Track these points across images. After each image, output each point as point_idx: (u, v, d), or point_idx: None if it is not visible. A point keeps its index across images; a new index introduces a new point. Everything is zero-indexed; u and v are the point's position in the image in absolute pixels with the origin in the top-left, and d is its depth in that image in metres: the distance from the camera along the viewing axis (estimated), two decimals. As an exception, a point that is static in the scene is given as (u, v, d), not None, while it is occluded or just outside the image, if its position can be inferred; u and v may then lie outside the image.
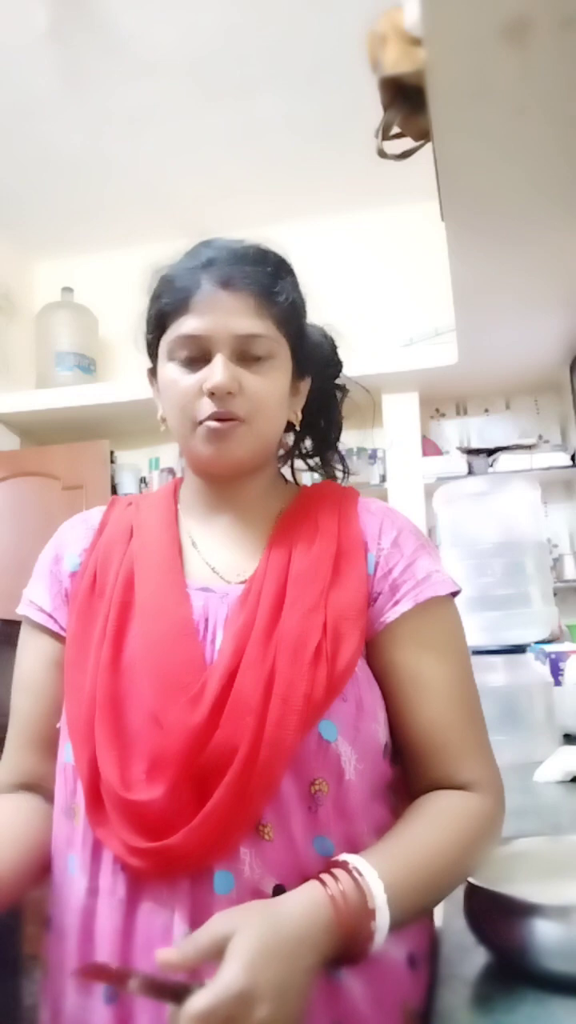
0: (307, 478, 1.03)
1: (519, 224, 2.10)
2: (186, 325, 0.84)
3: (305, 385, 0.94)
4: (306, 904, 0.67)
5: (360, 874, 0.69)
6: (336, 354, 1.01)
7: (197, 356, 0.84)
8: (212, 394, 0.83)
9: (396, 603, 0.84)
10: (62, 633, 0.90)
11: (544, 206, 1.99)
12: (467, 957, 0.74)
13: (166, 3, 2.56)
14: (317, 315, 0.98)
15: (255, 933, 0.62)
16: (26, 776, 0.90)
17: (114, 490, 3.76)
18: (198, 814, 0.73)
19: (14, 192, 3.51)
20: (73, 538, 0.95)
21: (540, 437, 3.73)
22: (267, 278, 0.85)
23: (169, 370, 0.86)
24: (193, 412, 0.84)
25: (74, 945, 0.78)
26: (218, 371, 0.82)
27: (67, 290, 3.88)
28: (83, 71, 2.83)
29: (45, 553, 0.96)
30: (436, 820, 0.79)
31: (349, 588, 0.84)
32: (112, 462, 3.78)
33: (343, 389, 1.03)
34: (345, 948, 0.67)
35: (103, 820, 0.77)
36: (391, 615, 0.84)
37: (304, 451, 1.03)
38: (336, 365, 1.01)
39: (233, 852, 0.74)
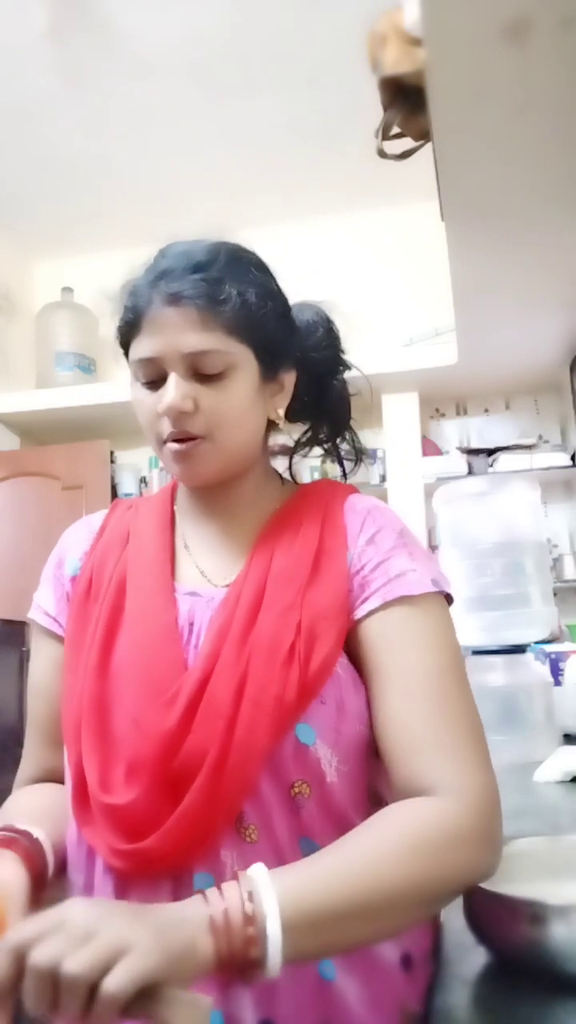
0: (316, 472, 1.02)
1: (519, 224, 2.10)
2: (140, 347, 0.83)
3: (288, 379, 0.91)
4: (180, 912, 0.61)
5: (251, 897, 0.61)
6: (332, 333, 0.97)
7: (155, 377, 0.83)
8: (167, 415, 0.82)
9: (365, 600, 0.82)
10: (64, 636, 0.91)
11: (544, 206, 1.99)
12: (467, 957, 0.74)
13: (166, 3, 2.56)
14: (337, 319, 0.97)
15: (102, 904, 0.63)
16: (47, 771, 0.91)
17: (114, 490, 3.76)
18: (171, 816, 0.73)
19: (14, 192, 3.51)
20: (75, 542, 0.96)
21: (540, 437, 3.73)
22: (211, 286, 0.81)
23: (135, 390, 0.86)
24: (157, 433, 0.84)
25: None
26: (169, 393, 0.80)
27: (67, 290, 3.88)
28: (83, 71, 2.83)
29: (51, 558, 0.97)
30: (376, 835, 0.71)
31: (328, 587, 0.82)
32: (112, 462, 3.79)
33: (346, 366, 0.99)
34: (227, 968, 0.60)
35: (89, 820, 0.78)
36: (359, 612, 0.82)
37: (321, 437, 1.00)
38: (332, 345, 0.97)
39: (213, 854, 0.74)
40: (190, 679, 0.77)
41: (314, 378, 0.95)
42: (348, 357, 1.00)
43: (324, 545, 0.85)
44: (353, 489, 0.95)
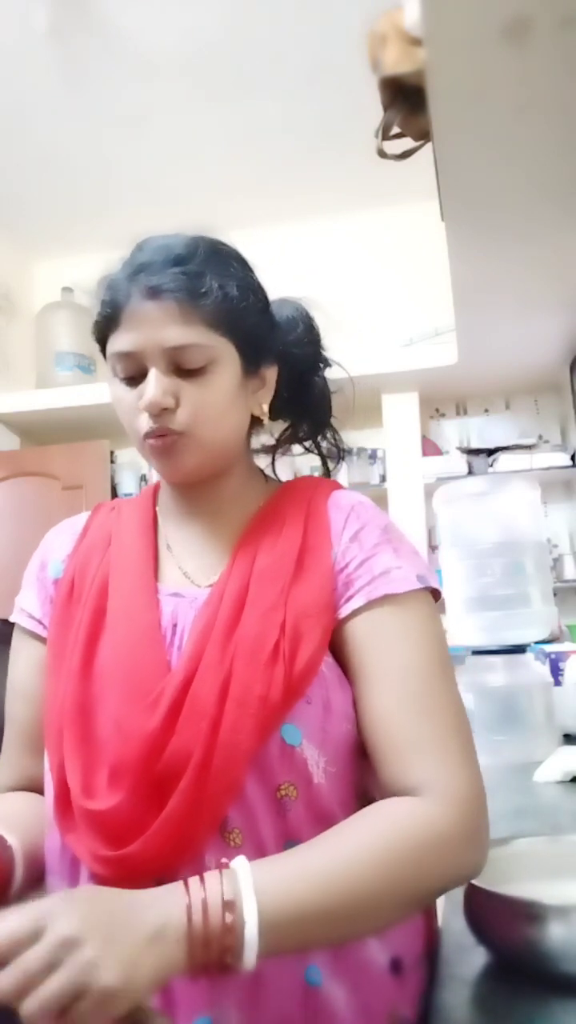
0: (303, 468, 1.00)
1: (519, 224, 2.10)
2: (119, 342, 0.81)
3: (270, 374, 0.90)
4: (159, 901, 0.61)
5: (232, 905, 0.60)
6: (312, 329, 0.96)
7: (135, 372, 0.81)
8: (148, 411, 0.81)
9: (349, 599, 0.81)
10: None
11: (544, 206, 1.99)
12: (467, 957, 0.74)
13: (166, 3, 2.56)
14: (316, 315, 0.96)
15: (81, 895, 0.62)
16: (25, 779, 0.90)
17: (114, 490, 3.76)
18: (154, 821, 0.72)
19: (14, 192, 3.51)
20: (58, 544, 0.95)
21: (540, 437, 3.73)
22: (191, 280, 0.80)
23: (114, 386, 0.84)
24: (137, 428, 0.83)
25: None
26: (150, 388, 0.79)
27: (67, 290, 3.88)
28: (83, 71, 2.83)
29: (33, 560, 0.96)
30: (357, 833, 0.70)
31: (312, 585, 0.81)
32: (112, 461, 3.79)
33: (326, 362, 0.97)
34: (202, 961, 0.60)
35: (71, 827, 0.77)
36: (343, 611, 0.80)
37: (301, 435, 0.99)
38: (313, 342, 0.96)
39: (198, 859, 0.73)
40: (173, 680, 0.76)
41: (295, 374, 0.94)
42: (329, 354, 0.98)
43: (308, 543, 0.84)
44: (337, 485, 0.93)
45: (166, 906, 0.60)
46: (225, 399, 0.83)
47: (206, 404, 0.82)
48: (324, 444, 1.00)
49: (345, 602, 0.81)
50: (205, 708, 0.74)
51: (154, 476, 3.28)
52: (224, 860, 0.65)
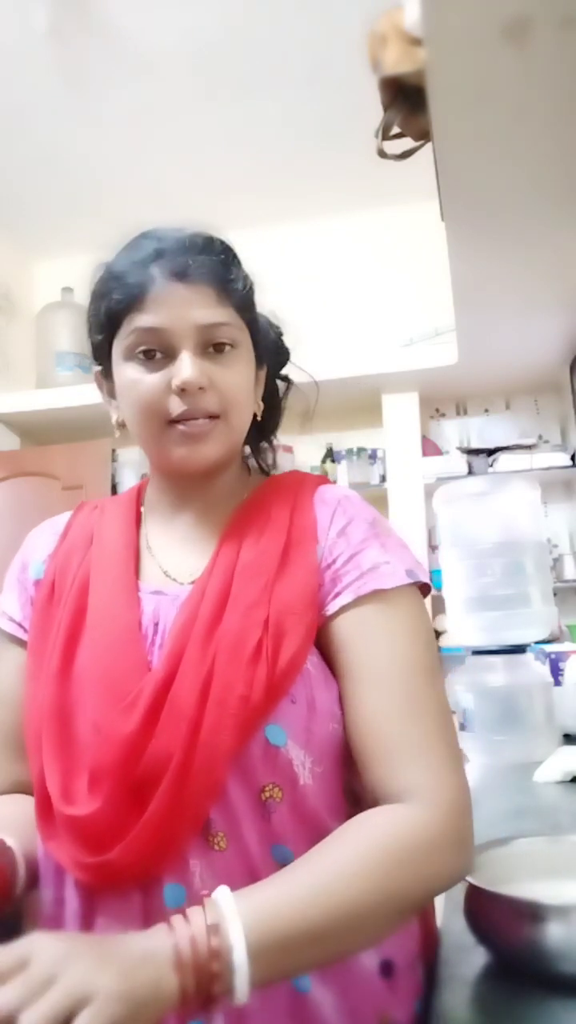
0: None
1: (519, 224, 2.10)
2: (143, 320, 0.79)
3: (262, 375, 0.91)
4: (144, 947, 0.58)
5: (216, 931, 0.59)
6: (282, 343, 0.96)
7: (156, 348, 0.79)
8: (183, 391, 0.79)
9: (337, 595, 0.79)
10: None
11: (544, 206, 1.99)
12: (467, 957, 0.74)
13: (166, 3, 2.56)
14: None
15: (68, 941, 0.58)
16: (15, 784, 0.88)
17: (114, 489, 3.76)
18: (135, 825, 0.71)
19: (14, 192, 3.51)
20: (39, 545, 0.94)
21: (540, 437, 3.73)
22: (221, 266, 0.82)
23: (129, 370, 0.81)
24: (162, 412, 0.80)
25: None
26: (187, 366, 0.78)
27: (67, 290, 3.88)
28: (83, 71, 2.82)
29: (14, 561, 0.94)
30: (347, 849, 0.68)
31: (297, 581, 0.79)
32: (114, 460, 3.78)
33: (287, 380, 0.98)
34: (193, 991, 0.58)
35: (53, 834, 0.75)
36: (331, 607, 0.79)
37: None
38: (283, 354, 0.96)
39: (182, 863, 0.72)
40: (151, 681, 0.75)
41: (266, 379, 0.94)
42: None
43: (292, 538, 0.82)
44: (323, 480, 0.92)
45: (151, 939, 0.59)
46: (249, 384, 0.85)
47: (236, 386, 0.82)
48: (260, 451, 0.98)
49: (333, 598, 0.79)
50: (185, 709, 0.72)
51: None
52: (204, 893, 0.64)
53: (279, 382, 0.97)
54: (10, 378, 3.83)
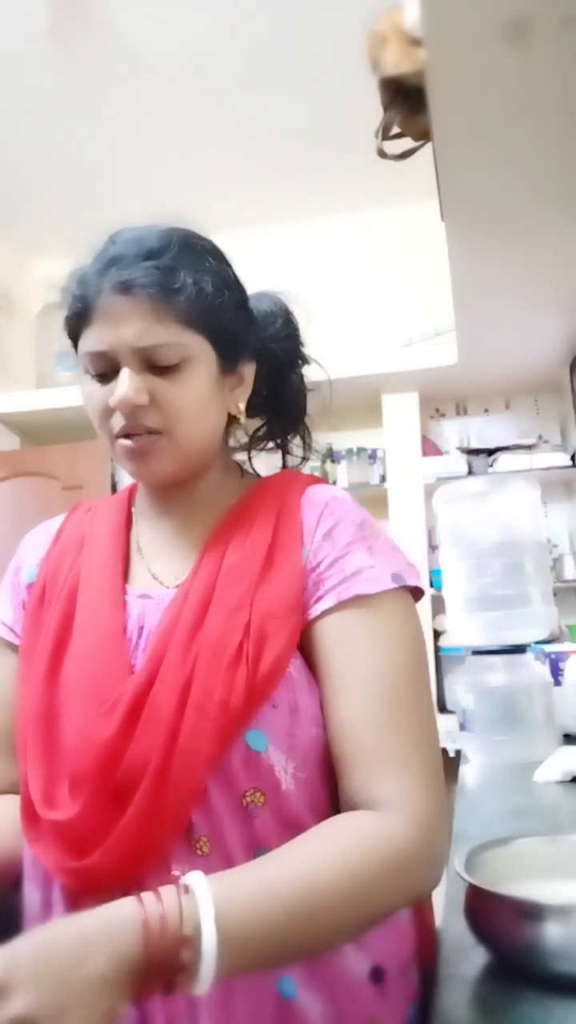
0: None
1: (519, 224, 2.10)
2: (90, 340, 0.79)
3: (248, 371, 0.87)
4: (110, 919, 0.58)
5: (189, 908, 0.58)
6: (291, 323, 0.93)
7: (106, 370, 0.79)
8: (120, 409, 0.78)
9: (319, 599, 0.78)
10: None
11: (544, 206, 1.99)
12: (467, 957, 0.74)
13: (166, 3, 2.56)
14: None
15: (32, 937, 0.57)
16: (8, 784, 0.88)
17: (114, 488, 3.76)
18: (113, 830, 0.70)
19: (14, 192, 3.51)
20: (32, 548, 0.94)
21: (540, 437, 3.73)
22: (164, 274, 0.77)
23: (85, 383, 0.82)
24: (108, 428, 0.80)
25: None
26: (121, 386, 0.77)
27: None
28: (83, 71, 2.82)
29: (10, 565, 0.94)
30: (321, 852, 0.68)
31: (280, 584, 0.77)
32: (113, 460, 3.78)
33: (304, 359, 0.94)
34: (150, 981, 0.57)
35: (38, 838, 0.75)
36: (313, 611, 0.77)
37: (274, 432, 0.96)
38: (291, 337, 0.93)
39: (164, 868, 0.71)
40: (131, 685, 0.74)
41: (273, 371, 0.91)
42: (308, 350, 0.95)
43: (278, 540, 0.81)
44: (314, 479, 0.90)
45: (120, 931, 0.57)
46: (201, 398, 0.81)
47: (182, 403, 0.79)
48: (295, 442, 0.97)
49: (315, 602, 0.78)
50: (163, 713, 0.72)
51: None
52: (176, 873, 0.63)
53: (299, 363, 0.94)
54: (10, 378, 3.83)
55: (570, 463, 3.43)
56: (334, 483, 3.56)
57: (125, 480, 3.81)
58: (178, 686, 0.73)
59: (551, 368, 3.46)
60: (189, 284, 0.78)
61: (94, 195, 3.50)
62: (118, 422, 0.79)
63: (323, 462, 3.63)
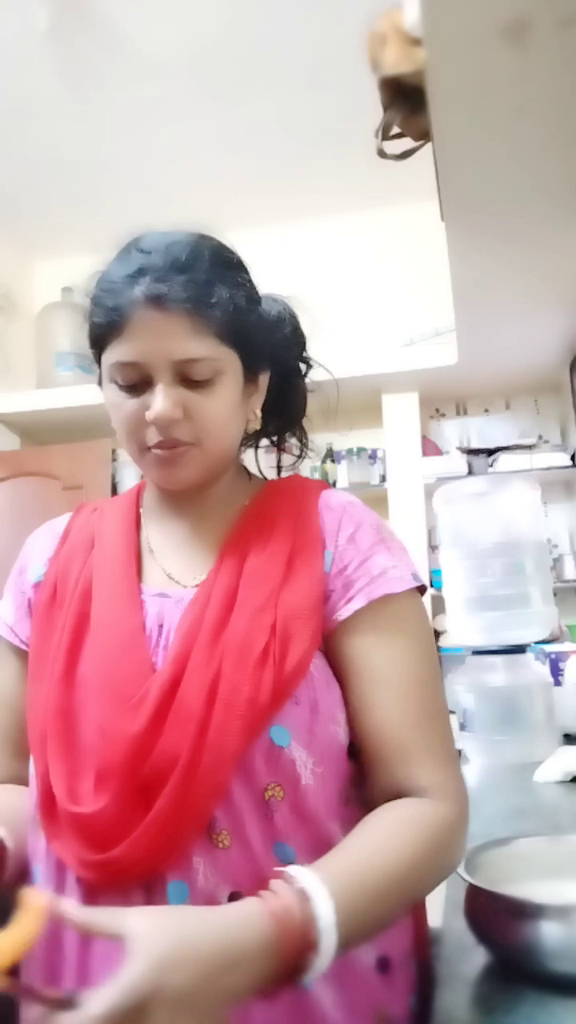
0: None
1: (519, 224, 2.10)
2: (121, 351, 0.78)
3: (264, 379, 0.89)
4: (241, 916, 0.61)
5: (306, 892, 0.63)
6: (298, 330, 0.94)
7: (137, 381, 0.79)
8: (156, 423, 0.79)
9: (349, 600, 0.81)
10: (22, 647, 0.90)
11: (544, 206, 1.99)
12: (467, 957, 0.74)
13: (166, 3, 2.56)
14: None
15: (168, 929, 0.57)
16: (11, 780, 0.89)
17: (115, 489, 3.76)
18: (141, 824, 0.71)
19: (14, 192, 3.51)
20: (38, 547, 0.94)
21: (540, 437, 3.73)
22: (202, 288, 0.78)
23: (111, 393, 0.82)
24: (140, 439, 0.81)
25: (41, 956, 0.76)
26: (159, 402, 0.77)
27: (67, 290, 3.88)
28: (83, 71, 2.83)
29: (15, 565, 0.95)
30: (393, 832, 0.74)
31: (302, 587, 0.80)
32: (114, 459, 3.79)
33: (308, 363, 0.96)
34: (281, 971, 0.60)
35: (57, 833, 0.76)
36: (343, 612, 0.81)
37: (269, 431, 0.97)
38: (299, 343, 0.94)
39: (185, 861, 0.72)
40: (158, 681, 0.76)
41: (279, 375, 0.92)
42: (312, 354, 0.97)
43: (298, 544, 0.83)
44: (325, 485, 0.93)
45: (259, 950, 0.59)
46: (230, 409, 0.83)
47: (212, 415, 0.81)
48: (285, 440, 0.98)
49: (345, 603, 0.81)
50: (192, 710, 0.73)
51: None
52: (287, 875, 0.66)
53: (302, 367, 0.96)
54: (10, 378, 3.83)
55: (570, 463, 3.43)
56: (334, 483, 3.57)
57: (125, 480, 3.82)
58: (205, 683, 0.74)
59: (551, 368, 3.46)
60: (224, 298, 0.79)
61: (95, 195, 3.51)
62: (153, 436, 0.80)
63: (323, 462, 3.63)
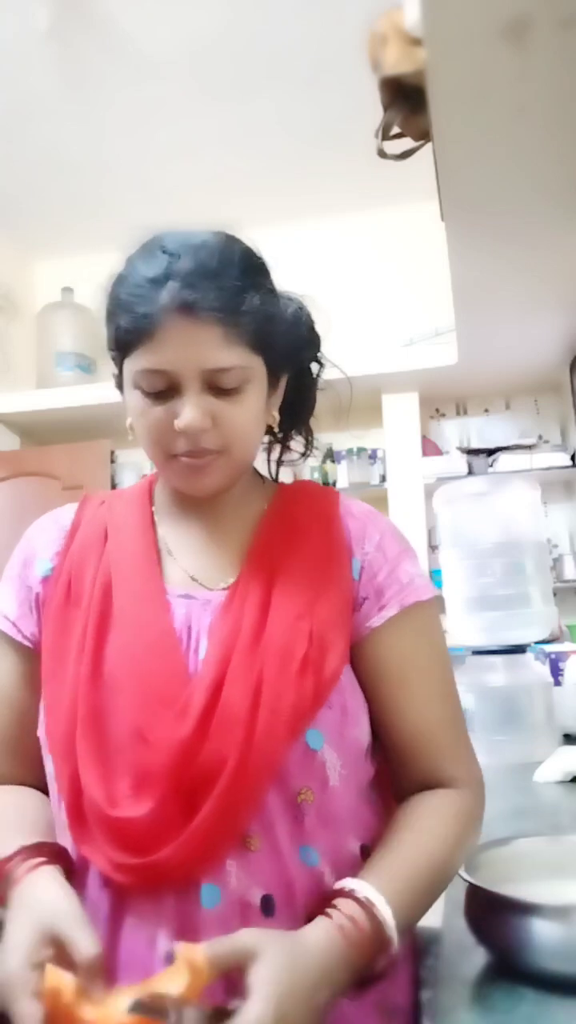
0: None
1: (519, 224, 2.10)
2: (149, 359, 0.76)
3: (283, 382, 0.89)
4: (321, 939, 0.67)
5: (370, 903, 0.70)
6: (313, 330, 0.92)
7: (163, 388, 0.77)
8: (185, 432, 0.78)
9: (382, 608, 0.83)
10: (25, 643, 0.87)
11: (544, 206, 1.99)
12: (467, 957, 0.74)
13: (166, 3, 2.56)
14: (316, 316, 0.95)
15: (281, 965, 0.63)
16: (8, 780, 0.88)
17: (114, 488, 3.76)
18: (185, 828, 0.71)
19: (14, 192, 3.51)
20: (44, 541, 0.91)
21: (540, 437, 3.73)
22: (234, 296, 0.76)
23: (135, 398, 0.80)
24: (166, 447, 0.80)
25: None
26: (189, 411, 0.76)
27: (67, 290, 3.88)
28: (83, 71, 2.83)
29: (14, 557, 0.91)
30: (430, 826, 0.80)
31: (335, 595, 0.82)
32: (112, 461, 3.79)
33: (321, 363, 0.95)
34: (356, 977, 0.68)
35: (87, 837, 0.75)
36: (377, 620, 0.83)
37: (275, 430, 0.96)
38: (314, 344, 0.93)
39: (220, 864, 0.73)
40: (200, 687, 0.75)
41: (294, 375, 0.92)
42: (325, 353, 0.96)
43: (326, 551, 0.85)
44: (336, 491, 0.95)
45: (340, 972, 0.67)
46: (257, 416, 0.83)
47: (241, 423, 0.80)
48: (290, 438, 0.97)
49: (379, 611, 0.84)
50: (238, 715, 0.74)
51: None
52: (339, 886, 0.72)
53: (315, 367, 0.95)
54: (10, 378, 3.83)
55: (570, 463, 3.43)
56: (334, 483, 3.56)
57: (125, 480, 3.82)
58: (249, 689, 0.75)
59: (551, 368, 3.46)
60: (255, 306, 0.78)
61: (95, 195, 3.51)
62: (180, 444, 0.79)
63: (323, 462, 3.63)
